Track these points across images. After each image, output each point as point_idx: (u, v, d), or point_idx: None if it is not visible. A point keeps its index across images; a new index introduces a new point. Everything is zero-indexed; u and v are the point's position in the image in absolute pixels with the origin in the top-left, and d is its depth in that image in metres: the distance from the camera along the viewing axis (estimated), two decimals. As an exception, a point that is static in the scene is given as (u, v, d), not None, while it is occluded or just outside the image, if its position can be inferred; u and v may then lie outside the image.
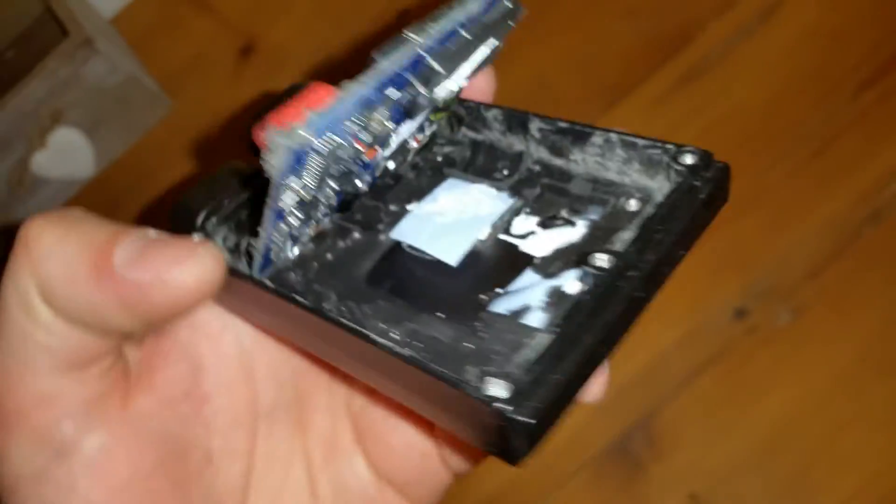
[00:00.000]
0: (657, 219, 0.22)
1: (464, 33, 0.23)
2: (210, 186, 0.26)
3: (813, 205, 0.47)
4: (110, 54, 0.48)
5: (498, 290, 0.22)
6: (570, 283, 0.21)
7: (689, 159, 0.23)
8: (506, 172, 0.26)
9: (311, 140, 0.20)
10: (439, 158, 0.27)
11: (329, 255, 0.25)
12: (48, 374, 0.22)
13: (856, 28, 0.47)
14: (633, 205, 0.23)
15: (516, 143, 0.26)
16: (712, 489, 0.45)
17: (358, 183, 0.23)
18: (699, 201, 0.22)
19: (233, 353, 0.25)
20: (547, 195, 0.25)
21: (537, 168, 0.26)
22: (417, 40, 0.22)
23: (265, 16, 0.54)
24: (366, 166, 0.23)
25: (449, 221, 0.25)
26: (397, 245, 0.25)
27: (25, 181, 0.50)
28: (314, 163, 0.21)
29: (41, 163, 0.50)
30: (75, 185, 0.53)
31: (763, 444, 0.45)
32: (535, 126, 0.26)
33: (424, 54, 0.23)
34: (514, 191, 0.25)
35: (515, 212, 0.25)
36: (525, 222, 0.24)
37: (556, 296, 0.21)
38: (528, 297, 0.22)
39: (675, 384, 0.46)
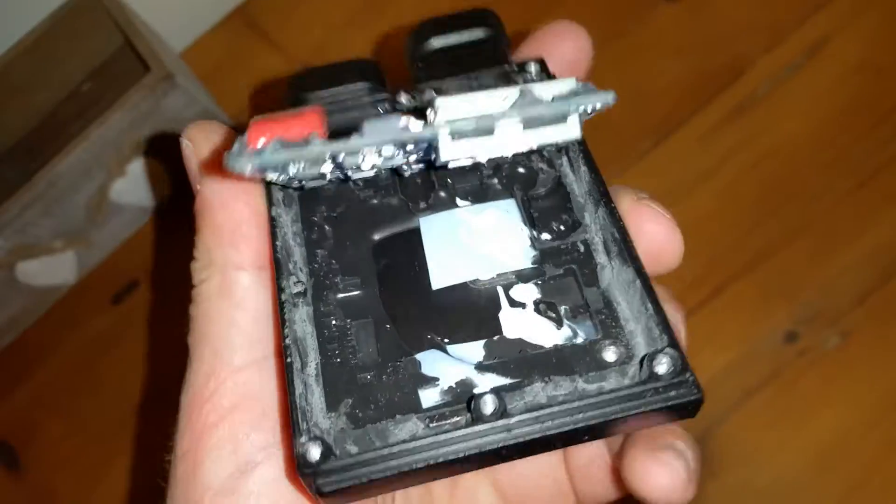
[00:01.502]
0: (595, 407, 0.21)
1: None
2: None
3: (859, 233, 0.49)
4: (188, 88, 0.50)
5: (446, 341, 0.23)
6: (484, 390, 0.21)
7: (661, 368, 0.21)
8: (557, 230, 0.25)
9: (245, 170, 0.21)
10: (521, 171, 0.26)
11: (353, 208, 0.26)
12: (249, 366, 0.23)
13: (900, 64, 0.50)
14: (610, 355, 0.22)
15: (586, 211, 0.25)
16: (765, 506, 0.47)
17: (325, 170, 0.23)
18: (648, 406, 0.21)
19: None
20: (565, 281, 0.24)
21: (581, 248, 0.24)
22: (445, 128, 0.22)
23: (328, 52, 0.57)
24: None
25: (469, 242, 0.25)
26: (416, 230, 0.25)
27: (103, 208, 0.52)
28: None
29: (119, 190, 0.52)
30: (149, 212, 0.55)
31: (814, 463, 0.46)
32: (603, 212, 0.24)
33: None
34: (546, 255, 0.24)
35: (527, 277, 0.24)
36: (527, 292, 0.24)
37: (463, 388, 0.22)
38: (448, 372, 0.22)
39: (728, 405, 0.48)
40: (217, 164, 0.24)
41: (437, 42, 0.28)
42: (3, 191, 0.50)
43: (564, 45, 0.29)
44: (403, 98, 0.27)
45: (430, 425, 0.21)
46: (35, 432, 0.53)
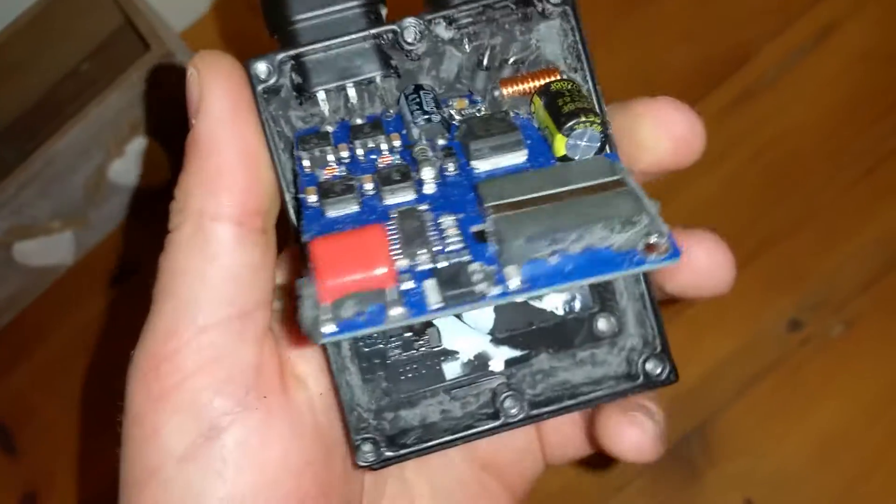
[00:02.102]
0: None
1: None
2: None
3: (865, 221, 0.48)
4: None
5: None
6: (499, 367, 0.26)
7: (653, 370, 0.25)
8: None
9: (325, 335, 0.19)
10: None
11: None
12: (215, 326, 0.22)
13: (909, 52, 0.49)
14: (604, 325, 0.26)
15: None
16: (766, 495, 0.46)
17: None
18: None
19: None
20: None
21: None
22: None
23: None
24: None
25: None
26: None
27: (102, 188, 0.52)
28: None
29: (118, 170, 0.51)
30: (149, 192, 0.55)
31: (816, 452, 0.46)
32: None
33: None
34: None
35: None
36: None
37: (480, 361, 0.26)
38: (466, 345, 0.26)
39: (731, 393, 0.48)
40: (221, 103, 0.23)
41: None
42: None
43: (670, 126, 0.25)
44: (410, 34, 0.24)
45: (457, 401, 0.25)
46: (31, 414, 0.53)
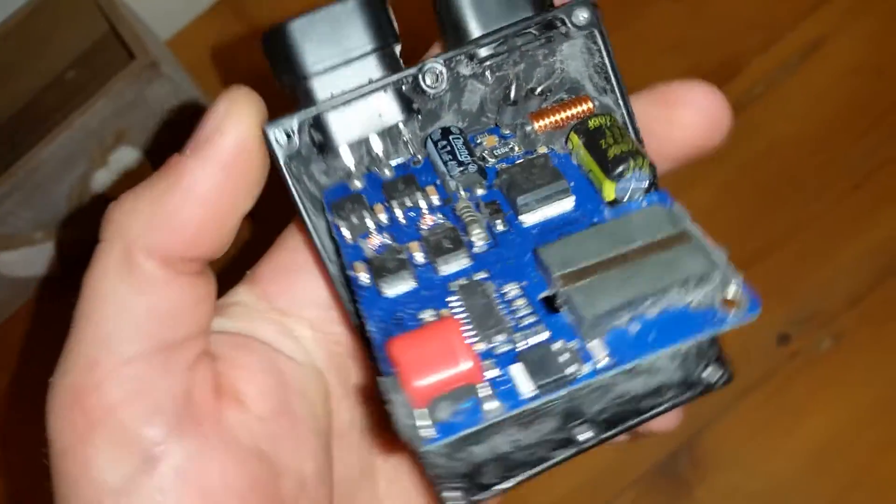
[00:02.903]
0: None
1: None
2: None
3: (853, 235, 0.48)
4: (173, 77, 0.49)
5: None
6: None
7: (711, 377, 0.25)
8: None
9: (428, 442, 0.18)
10: None
11: None
12: (139, 358, 0.21)
13: (897, 65, 0.49)
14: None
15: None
16: (756, 510, 0.46)
17: None
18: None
19: (313, 378, 0.25)
20: None
21: None
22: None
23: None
24: None
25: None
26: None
27: (84, 198, 0.51)
28: None
29: (101, 180, 0.51)
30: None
31: (806, 466, 0.46)
32: None
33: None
34: None
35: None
36: None
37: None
38: None
39: (719, 407, 0.47)
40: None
41: None
42: (-19, 179, 0.48)
43: (698, 111, 0.25)
44: (431, 77, 0.23)
45: (525, 429, 0.22)
46: (15, 427, 0.52)
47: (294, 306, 0.25)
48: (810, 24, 0.51)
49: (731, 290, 0.19)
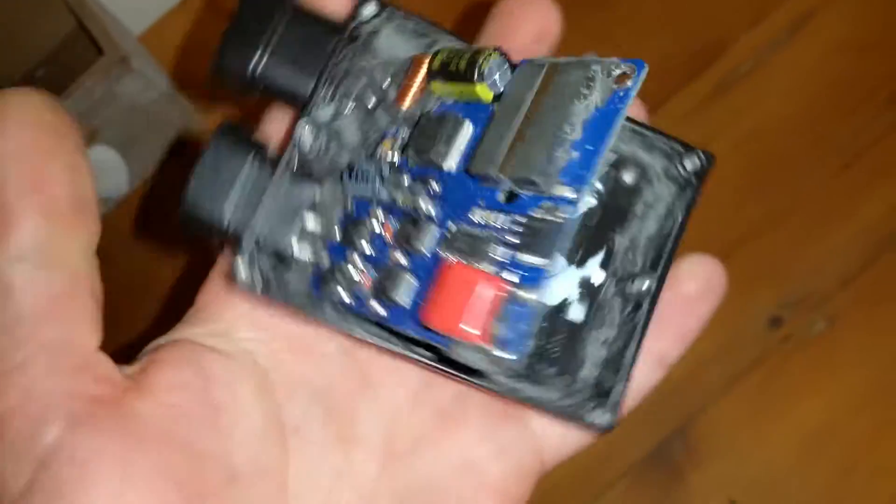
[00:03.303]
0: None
1: None
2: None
3: (845, 214, 0.47)
4: (145, 72, 0.48)
5: None
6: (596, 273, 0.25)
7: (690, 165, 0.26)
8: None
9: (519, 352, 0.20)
10: None
11: None
12: (25, 364, 0.21)
13: (887, 40, 0.48)
14: (629, 178, 0.26)
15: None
16: (751, 495, 0.46)
17: None
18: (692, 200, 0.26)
19: (245, 370, 0.25)
20: None
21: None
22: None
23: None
24: None
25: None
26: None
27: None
28: None
29: (76, 181, 0.50)
30: (110, 203, 0.53)
31: (801, 450, 0.45)
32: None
33: None
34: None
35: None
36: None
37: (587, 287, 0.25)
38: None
39: (712, 392, 0.47)
40: None
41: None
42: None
43: (531, 21, 0.27)
44: (306, 140, 0.25)
45: None
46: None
47: (232, 310, 0.25)
48: (796, 0, 0.50)
49: (616, 69, 0.20)
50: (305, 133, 0.24)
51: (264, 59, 0.25)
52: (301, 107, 0.25)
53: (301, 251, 0.25)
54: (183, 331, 0.25)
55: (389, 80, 0.25)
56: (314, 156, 0.24)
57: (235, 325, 0.25)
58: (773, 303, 0.47)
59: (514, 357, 0.20)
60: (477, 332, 0.20)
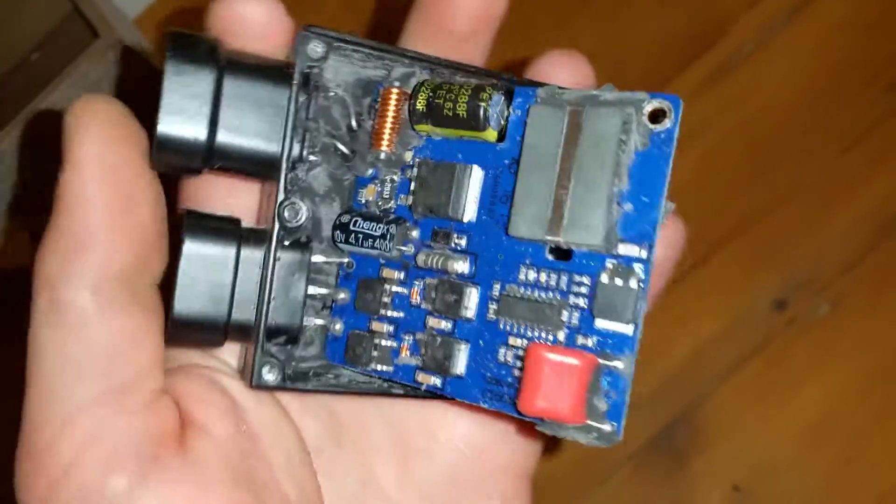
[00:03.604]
0: None
1: None
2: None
3: (848, 197, 0.47)
4: (140, 55, 0.47)
5: None
6: None
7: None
8: None
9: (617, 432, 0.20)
10: None
11: None
12: (87, 407, 0.20)
13: (889, 21, 0.48)
14: None
15: None
16: (755, 480, 0.45)
17: None
18: None
19: (260, 395, 0.24)
20: None
21: None
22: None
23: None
24: None
25: None
26: None
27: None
28: None
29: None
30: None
31: (805, 434, 0.45)
32: None
33: None
34: None
35: None
36: None
37: None
38: None
39: (715, 377, 0.46)
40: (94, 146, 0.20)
41: None
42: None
43: (567, 76, 0.26)
44: (287, 215, 0.23)
45: None
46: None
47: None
48: (798, -20, 0.49)
49: (648, 107, 0.19)
50: (289, 210, 0.23)
51: (216, 131, 0.22)
52: (264, 172, 0.23)
53: (309, 320, 0.24)
54: (180, 356, 0.24)
55: (354, 121, 0.24)
56: (295, 219, 0.23)
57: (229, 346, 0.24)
58: (777, 286, 0.47)
59: (614, 428, 0.19)
60: (578, 415, 0.19)
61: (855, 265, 0.46)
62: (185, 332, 0.23)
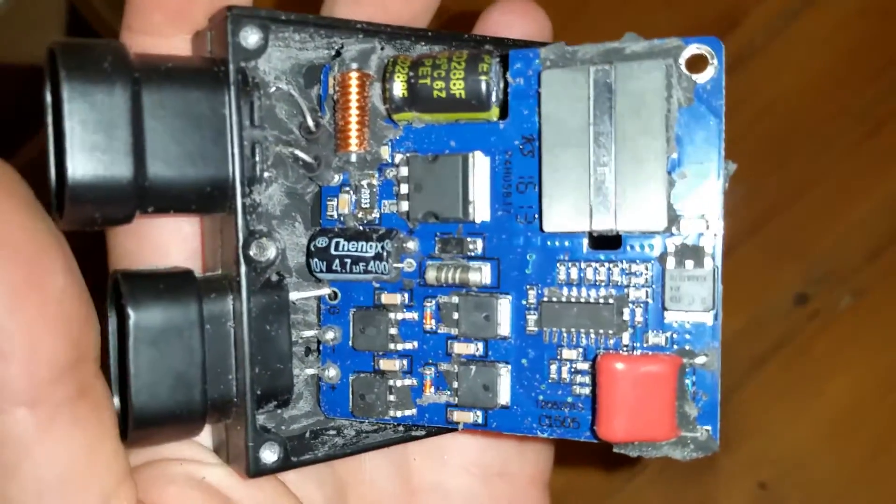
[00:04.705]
0: None
1: None
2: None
3: (869, 186, 0.46)
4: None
5: None
6: None
7: None
8: None
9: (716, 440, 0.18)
10: None
11: None
12: None
13: (907, 4, 0.47)
14: None
15: None
16: (781, 477, 0.45)
17: None
18: None
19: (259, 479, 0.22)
20: None
21: None
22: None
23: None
24: None
25: None
26: None
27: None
28: None
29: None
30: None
31: (831, 429, 0.45)
32: None
33: None
34: None
35: None
36: None
37: None
38: None
39: (739, 373, 0.46)
40: None
41: None
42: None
43: (521, 25, 0.24)
44: (254, 251, 0.19)
45: None
46: None
47: None
48: (811, -33, 0.49)
49: (685, 53, 0.17)
50: (256, 247, 0.19)
51: (144, 163, 0.17)
52: (207, 203, 0.18)
53: (298, 372, 0.20)
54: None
55: (311, 120, 0.19)
56: (263, 254, 0.19)
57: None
58: (799, 280, 0.46)
59: (709, 433, 0.17)
60: (670, 430, 0.17)
61: (877, 255, 0.45)
62: (152, 431, 0.18)
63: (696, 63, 0.17)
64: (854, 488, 0.44)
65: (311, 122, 0.19)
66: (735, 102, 0.47)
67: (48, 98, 0.17)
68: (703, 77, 0.17)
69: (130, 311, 0.18)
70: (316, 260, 0.20)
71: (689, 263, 0.17)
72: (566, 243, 0.18)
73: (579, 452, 0.46)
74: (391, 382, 0.20)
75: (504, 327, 0.19)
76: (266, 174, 0.19)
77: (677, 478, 0.46)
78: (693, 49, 0.17)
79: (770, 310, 0.46)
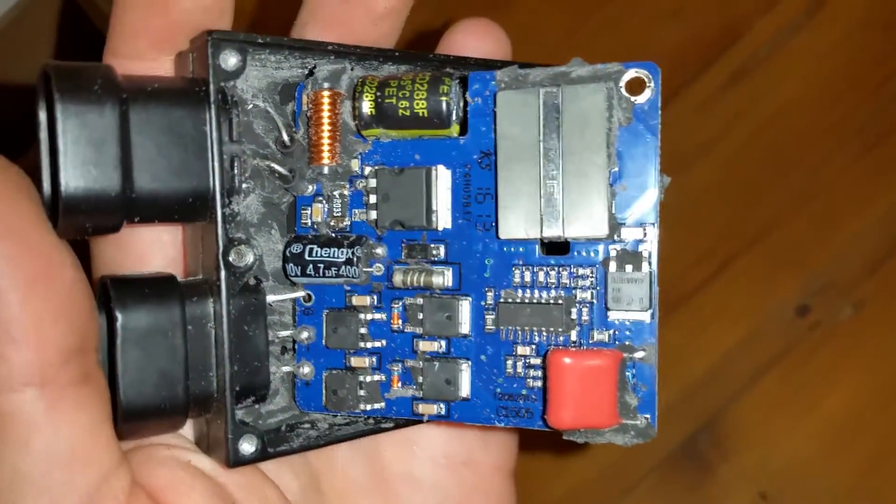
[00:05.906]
0: None
1: None
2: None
3: (869, 198, 0.46)
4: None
5: None
6: None
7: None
8: None
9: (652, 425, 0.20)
10: None
11: None
12: None
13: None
14: None
15: None
16: (781, 487, 0.45)
17: None
18: None
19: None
20: None
21: None
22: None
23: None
24: None
25: None
26: None
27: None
28: None
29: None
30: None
31: (831, 440, 0.45)
32: None
33: None
34: None
35: None
36: None
37: None
38: None
39: (740, 384, 0.46)
40: None
41: None
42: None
43: (481, 44, 0.25)
44: (233, 258, 0.21)
45: None
46: None
47: None
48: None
49: (625, 78, 0.19)
50: (235, 254, 0.20)
51: (132, 176, 0.19)
52: (189, 212, 0.20)
53: (274, 369, 0.21)
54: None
55: (286, 135, 0.21)
56: (241, 260, 0.21)
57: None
58: (800, 291, 0.46)
59: (648, 421, 0.19)
60: (612, 417, 0.19)
61: (878, 266, 0.46)
62: (139, 425, 0.20)
63: (635, 86, 0.19)
64: (854, 499, 0.44)
65: (286, 137, 0.21)
66: (737, 114, 0.48)
67: (41, 116, 0.19)
68: (641, 98, 0.19)
69: (118, 314, 0.19)
70: (291, 265, 0.22)
71: (629, 267, 0.19)
72: (520, 249, 0.20)
73: (581, 463, 0.46)
74: (361, 378, 0.21)
75: (465, 326, 0.21)
76: (244, 185, 0.21)
77: (676, 488, 0.46)
78: (632, 73, 0.19)
79: (770, 321, 0.46)
